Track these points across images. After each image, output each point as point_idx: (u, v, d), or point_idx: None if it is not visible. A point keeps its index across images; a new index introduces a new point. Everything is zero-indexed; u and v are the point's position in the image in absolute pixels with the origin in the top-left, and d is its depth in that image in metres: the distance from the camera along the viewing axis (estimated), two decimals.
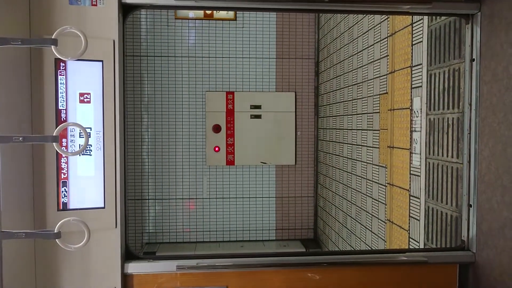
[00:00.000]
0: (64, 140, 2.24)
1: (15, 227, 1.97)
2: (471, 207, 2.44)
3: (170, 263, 2.38)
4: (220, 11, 5.67)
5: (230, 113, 5.84)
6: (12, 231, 1.92)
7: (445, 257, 2.49)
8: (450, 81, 2.63)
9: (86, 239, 1.96)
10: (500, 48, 2.22)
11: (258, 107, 5.88)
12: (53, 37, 1.90)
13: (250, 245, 5.81)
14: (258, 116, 5.89)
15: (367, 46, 3.98)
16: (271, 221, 5.98)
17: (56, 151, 2.08)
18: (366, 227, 4.00)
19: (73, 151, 2.24)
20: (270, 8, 2.56)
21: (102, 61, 2.27)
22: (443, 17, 2.71)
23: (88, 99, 2.29)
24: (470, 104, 2.44)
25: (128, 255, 2.41)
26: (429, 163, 2.86)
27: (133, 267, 2.36)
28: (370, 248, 3.90)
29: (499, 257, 2.23)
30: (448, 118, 2.65)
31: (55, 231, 1.93)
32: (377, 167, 3.72)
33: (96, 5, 2.26)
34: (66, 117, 2.25)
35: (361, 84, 4.15)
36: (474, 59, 2.42)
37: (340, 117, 4.82)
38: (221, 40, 5.80)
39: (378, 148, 3.70)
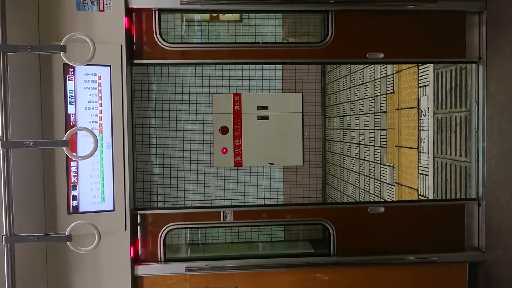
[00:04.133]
0: (73, 144, 2.26)
1: (27, 231, 2.00)
2: (479, 206, 2.43)
3: (179, 265, 2.41)
4: (226, 14, 5.69)
5: (237, 114, 5.85)
6: (24, 235, 1.94)
7: (454, 257, 2.48)
8: (457, 80, 2.62)
9: (97, 242, 1.98)
10: (507, 46, 2.21)
11: (265, 108, 5.88)
12: (62, 44, 1.93)
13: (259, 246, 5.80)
14: (265, 117, 5.89)
15: None
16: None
17: (66, 155, 2.10)
18: None
19: (83, 155, 2.26)
20: (276, 10, 2.57)
21: (110, 65, 2.30)
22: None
23: (97, 103, 2.31)
24: (478, 103, 2.43)
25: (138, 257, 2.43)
26: (437, 162, 2.85)
27: (143, 269, 2.38)
28: None
29: (509, 255, 2.21)
30: (455, 117, 2.64)
31: (66, 234, 1.95)
32: (385, 166, 3.71)
33: (103, 10, 2.28)
34: (75, 121, 2.28)
35: (367, 83, 4.14)
36: (481, 57, 2.41)
37: (347, 117, 4.81)
38: (227, 42, 5.81)
39: (386, 147, 3.69)
